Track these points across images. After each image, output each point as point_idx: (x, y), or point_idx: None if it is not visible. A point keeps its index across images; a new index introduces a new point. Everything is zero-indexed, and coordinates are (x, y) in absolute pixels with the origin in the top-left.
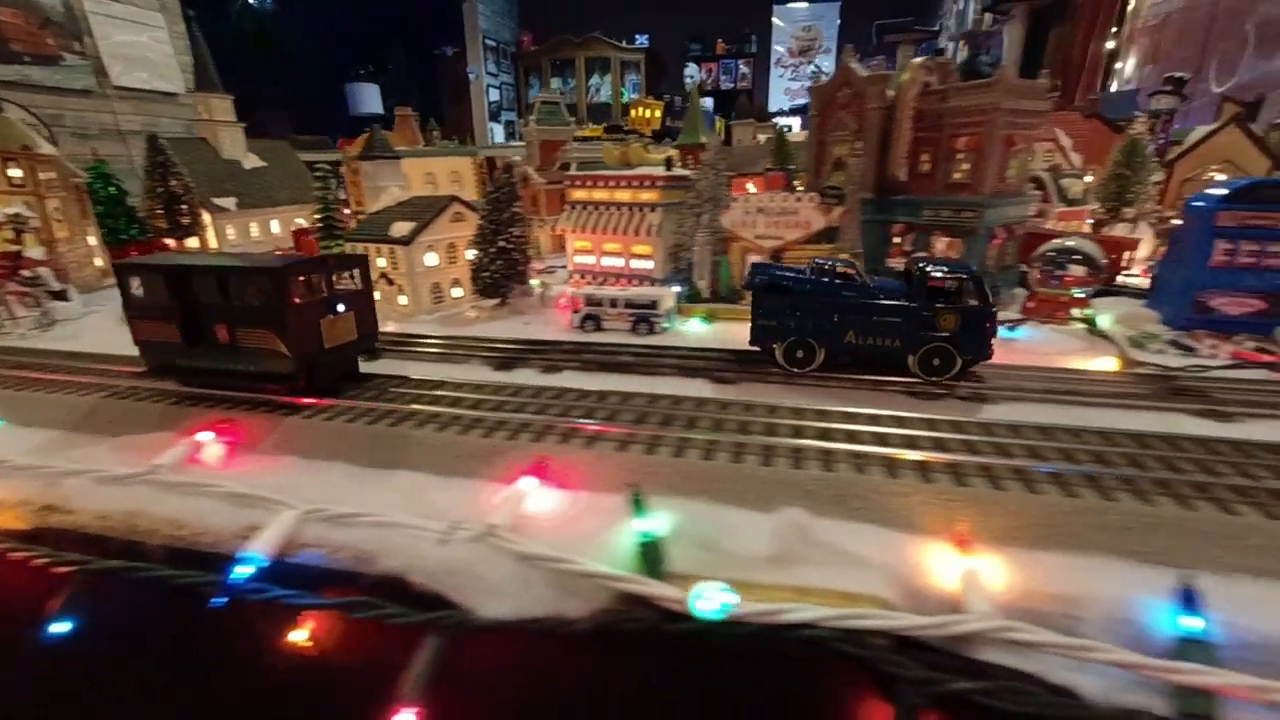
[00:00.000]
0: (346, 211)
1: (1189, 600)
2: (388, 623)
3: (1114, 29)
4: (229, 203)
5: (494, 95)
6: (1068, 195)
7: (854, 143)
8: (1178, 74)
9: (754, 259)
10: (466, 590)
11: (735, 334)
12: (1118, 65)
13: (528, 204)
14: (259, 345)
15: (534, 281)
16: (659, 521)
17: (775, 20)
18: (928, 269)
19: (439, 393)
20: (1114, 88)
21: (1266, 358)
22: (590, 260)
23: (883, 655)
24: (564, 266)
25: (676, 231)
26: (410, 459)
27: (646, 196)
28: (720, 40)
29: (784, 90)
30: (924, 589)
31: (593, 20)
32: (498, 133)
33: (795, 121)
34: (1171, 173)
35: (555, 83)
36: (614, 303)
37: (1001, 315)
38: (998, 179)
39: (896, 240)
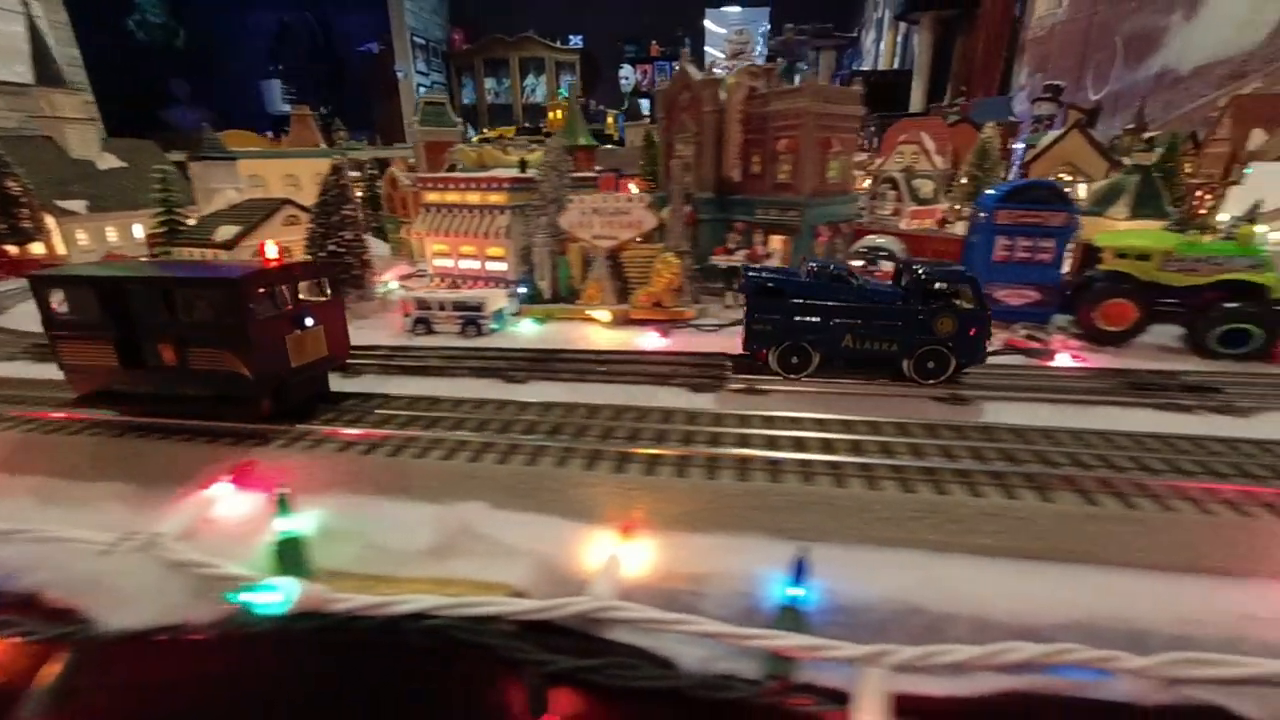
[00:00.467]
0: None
1: (799, 571)
2: (27, 640)
3: (1010, 39)
4: (78, 205)
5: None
6: (919, 195)
7: (681, 146)
8: (1056, 82)
9: (595, 257)
10: (101, 602)
11: (564, 334)
12: (1014, 72)
13: (398, 207)
14: (214, 367)
15: (390, 285)
16: (304, 521)
17: (707, 24)
18: (920, 271)
19: None
20: (1012, 93)
21: (1034, 344)
22: (449, 263)
23: (503, 641)
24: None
25: (525, 233)
26: (121, 470)
27: (495, 199)
28: (654, 42)
29: None
30: (568, 575)
31: (525, 20)
32: None
33: None
34: (1028, 173)
35: (489, 82)
36: (443, 306)
37: None
38: (818, 179)
39: (736, 238)
